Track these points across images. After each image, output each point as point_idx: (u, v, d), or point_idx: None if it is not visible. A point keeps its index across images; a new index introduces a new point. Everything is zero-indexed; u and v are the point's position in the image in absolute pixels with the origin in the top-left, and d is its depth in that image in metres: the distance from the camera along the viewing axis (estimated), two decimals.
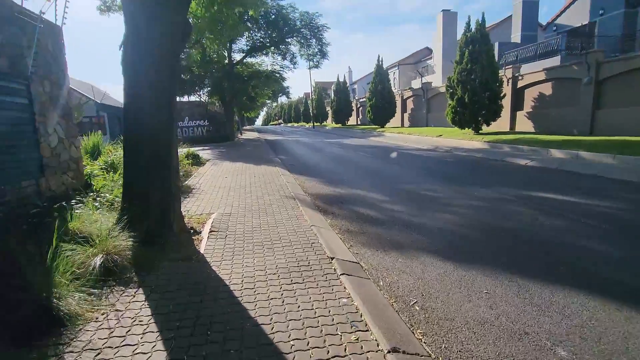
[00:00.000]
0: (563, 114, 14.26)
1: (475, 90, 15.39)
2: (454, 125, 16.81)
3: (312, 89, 49.72)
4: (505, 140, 13.58)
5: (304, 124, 64.54)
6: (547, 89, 15.14)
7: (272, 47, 23.56)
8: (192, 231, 4.55)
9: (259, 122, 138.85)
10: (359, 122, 41.03)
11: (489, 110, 15.56)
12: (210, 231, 4.55)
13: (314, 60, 23.70)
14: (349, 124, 41.60)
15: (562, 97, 14.39)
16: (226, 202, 6.22)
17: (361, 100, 40.70)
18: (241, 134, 32.15)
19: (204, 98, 29.83)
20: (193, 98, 27.85)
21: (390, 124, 28.83)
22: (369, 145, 17.14)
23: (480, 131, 16.48)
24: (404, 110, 28.73)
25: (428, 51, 38.83)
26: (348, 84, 40.10)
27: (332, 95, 43.71)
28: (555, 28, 21.42)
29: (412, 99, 27.49)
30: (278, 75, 23.59)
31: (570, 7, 20.81)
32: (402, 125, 28.59)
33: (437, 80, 27.57)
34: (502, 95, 15.62)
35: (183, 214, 4.76)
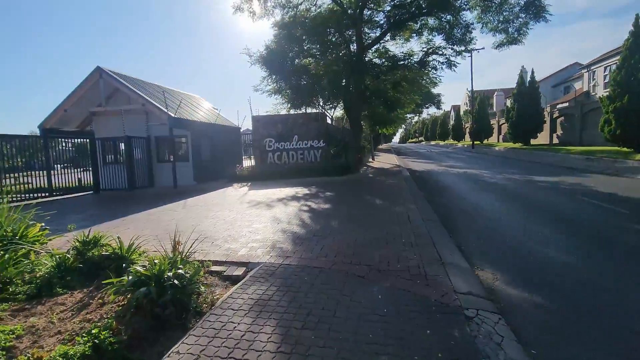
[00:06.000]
0: None
1: None
2: None
3: (471, 93, 36.98)
4: None
5: (454, 142, 51.33)
6: None
7: (428, 17, 13.83)
8: None
9: (395, 139, 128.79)
10: (555, 141, 26.42)
11: None
12: None
13: (513, 28, 12.66)
14: (534, 142, 27.41)
15: None
16: None
17: (561, 105, 26.08)
18: (373, 159, 23.20)
19: (328, 109, 22.37)
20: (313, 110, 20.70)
21: None
22: None
23: None
24: None
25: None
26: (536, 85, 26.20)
27: (509, 102, 30.31)
28: None
29: None
30: (442, 62, 13.48)
31: None
32: None
33: None
34: None
35: None
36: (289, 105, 19.20)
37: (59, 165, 13.40)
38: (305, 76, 16.44)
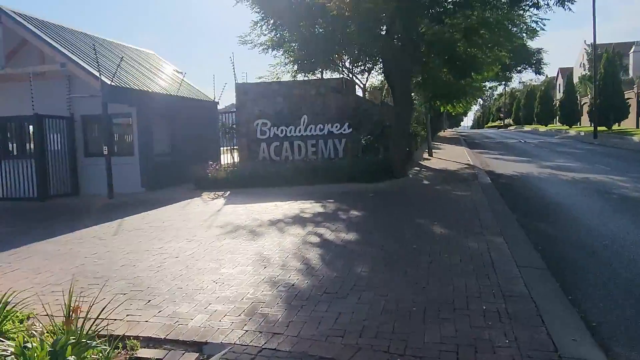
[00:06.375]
0: None
1: None
2: None
3: (592, 48, 35.64)
4: None
5: (564, 127, 49.82)
6: None
7: None
8: None
9: (466, 123, 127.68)
10: None
11: None
12: None
13: None
14: None
15: None
16: None
17: None
18: (430, 153, 22.55)
19: (357, 74, 21.94)
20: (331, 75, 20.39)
21: None
22: None
23: None
24: None
25: None
26: None
27: None
28: None
29: None
30: None
31: None
32: None
33: None
34: None
35: None
36: (296, 67, 18.91)
37: None
38: (322, 20, 16.01)
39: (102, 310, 3.60)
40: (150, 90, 14.97)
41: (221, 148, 19.51)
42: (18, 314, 4.06)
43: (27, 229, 8.75)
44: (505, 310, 4.13)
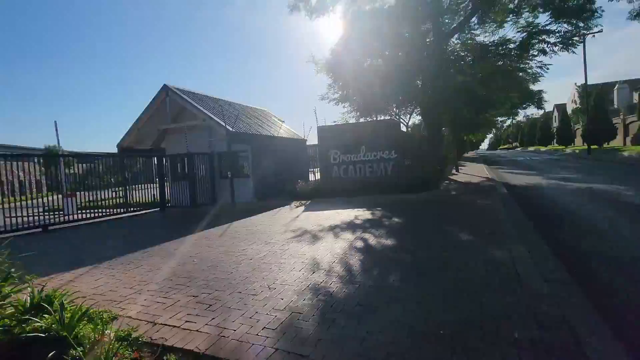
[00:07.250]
0: None
1: None
2: None
3: (584, 87, 30.29)
4: None
5: (560, 147, 43.28)
6: None
7: None
8: None
9: (483, 146, 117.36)
10: None
11: None
12: None
13: None
14: None
15: None
16: None
17: None
18: (457, 170, 19.99)
19: (402, 115, 20.15)
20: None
21: None
22: None
23: None
24: None
25: None
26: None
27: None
28: None
29: None
30: (555, 42, 10.27)
31: None
32: None
33: None
34: None
35: None
36: (357, 113, 17.59)
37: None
38: (375, 79, 14.66)
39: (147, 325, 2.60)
40: (260, 134, 14.46)
41: (310, 170, 18.64)
42: (105, 314, 3.18)
43: (170, 231, 8.27)
44: (538, 336, 2.54)
